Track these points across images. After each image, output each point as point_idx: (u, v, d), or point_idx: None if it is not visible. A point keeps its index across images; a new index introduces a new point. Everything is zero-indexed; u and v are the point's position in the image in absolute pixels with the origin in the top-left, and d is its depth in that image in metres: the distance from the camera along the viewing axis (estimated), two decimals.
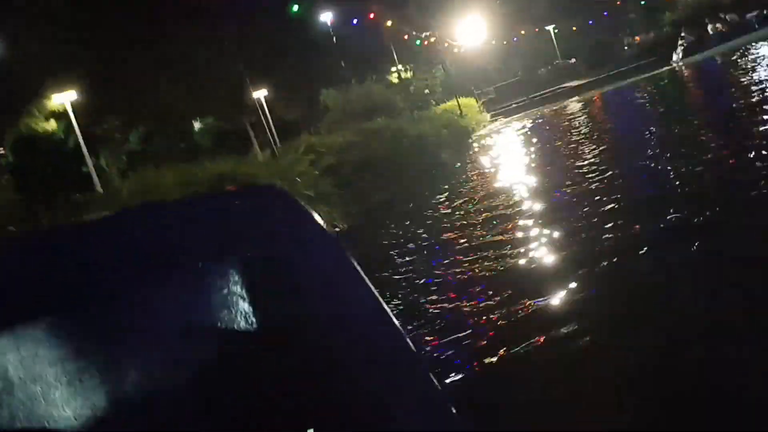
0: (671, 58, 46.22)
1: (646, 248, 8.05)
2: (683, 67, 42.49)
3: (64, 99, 20.15)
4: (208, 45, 25.03)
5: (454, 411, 0.97)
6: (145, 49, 22.43)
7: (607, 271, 7.71)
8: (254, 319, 0.93)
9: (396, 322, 1.00)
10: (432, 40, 46.48)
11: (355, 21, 40.93)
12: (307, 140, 21.09)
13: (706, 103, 22.05)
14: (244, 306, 0.93)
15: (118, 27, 21.84)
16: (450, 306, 8.26)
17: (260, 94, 26.57)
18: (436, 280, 9.66)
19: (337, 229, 16.07)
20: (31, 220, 13.49)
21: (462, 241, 11.57)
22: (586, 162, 15.74)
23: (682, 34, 48.16)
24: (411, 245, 12.77)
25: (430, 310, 8.30)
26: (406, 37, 44.05)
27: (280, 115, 32.16)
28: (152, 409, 0.89)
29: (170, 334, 0.93)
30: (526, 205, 13.00)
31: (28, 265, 0.91)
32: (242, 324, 0.92)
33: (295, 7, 34.08)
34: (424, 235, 13.34)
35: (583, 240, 9.28)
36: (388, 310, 1.00)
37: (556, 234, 10.10)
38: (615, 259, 7.97)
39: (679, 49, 46.85)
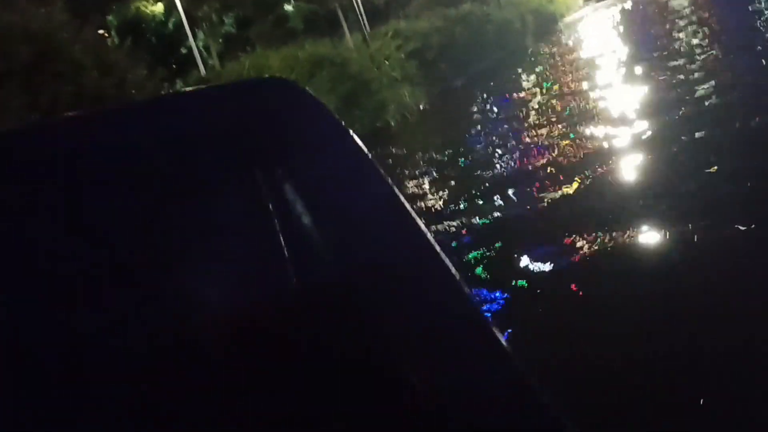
0: None
1: None
2: None
3: None
4: None
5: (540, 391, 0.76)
6: None
7: None
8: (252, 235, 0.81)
9: (435, 244, 0.83)
10: None
11: None
12: (395, 25, 22.04)
13: None
14: (245, 220, 0.82)
15: None
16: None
17: None
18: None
19: (420, 107, 17.55)
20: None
21: (530, 116, 12.77)
22: (686, 56, 13.83)
23: None
24: (479, 115, 14.10)
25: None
26: None
27: None
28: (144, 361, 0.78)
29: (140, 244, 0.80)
30: (598, 93, 13.69)
31: None
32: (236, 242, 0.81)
33: None
34: (494, 110, 14.55)
35: None
36: (422, 225, 0.84)
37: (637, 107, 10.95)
38: None
39: None
